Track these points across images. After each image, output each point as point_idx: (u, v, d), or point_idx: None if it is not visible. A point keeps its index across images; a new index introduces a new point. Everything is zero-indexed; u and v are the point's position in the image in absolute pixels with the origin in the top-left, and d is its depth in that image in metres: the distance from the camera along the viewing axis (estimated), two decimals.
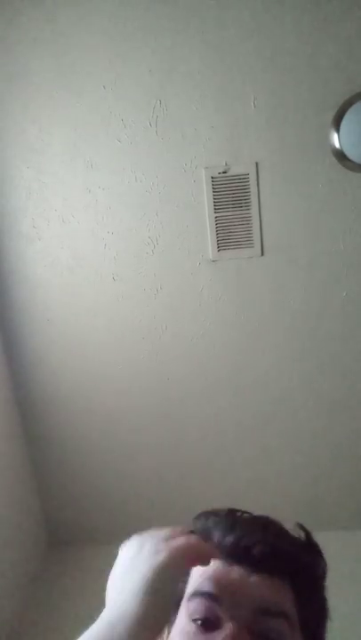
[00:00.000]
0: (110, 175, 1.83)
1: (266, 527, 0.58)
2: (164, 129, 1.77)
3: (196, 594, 0.53)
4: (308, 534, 0.61)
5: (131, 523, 2.52)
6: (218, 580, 0.52)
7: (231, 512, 0.61)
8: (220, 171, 1.79)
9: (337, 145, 1.72)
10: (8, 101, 1.77)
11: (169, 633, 0.54)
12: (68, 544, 2.34)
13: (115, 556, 0.54)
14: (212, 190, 1.81)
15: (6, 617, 1.89)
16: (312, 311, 1.95)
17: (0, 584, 1.89)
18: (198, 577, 0.54)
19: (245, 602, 0.50)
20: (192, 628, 0.51)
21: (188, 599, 0.53)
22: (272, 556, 0.53)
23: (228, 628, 0.48)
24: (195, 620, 0.51)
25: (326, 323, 1.96)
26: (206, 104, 1.73)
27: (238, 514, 0.61)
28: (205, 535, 0.56)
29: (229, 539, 0.55)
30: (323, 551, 0.61)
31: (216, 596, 0.51)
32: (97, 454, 2.21)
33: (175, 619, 0.55)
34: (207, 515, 0.60)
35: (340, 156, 1.73)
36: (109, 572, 0.53)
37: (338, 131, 1.70)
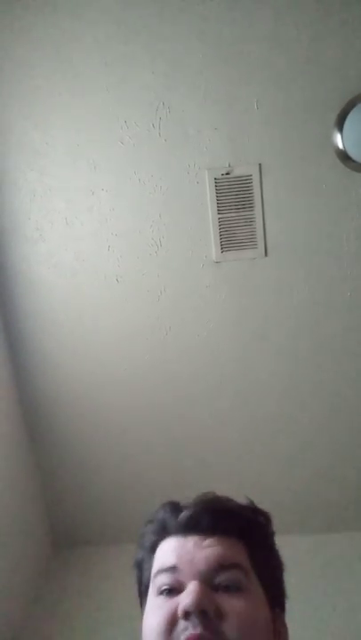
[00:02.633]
0: (114, 177, 1.84)
1: (213, 498, 0.68)
2: (167, 131, 1.77)
3: (160, 570, 0.60)
4: (252, 502, 0.70)
5: (135, 525, 2.52)
6: (177, 553, 0.60)
7: (176, 502, 0.69)
8: (224, 172, 1.79)
9: (340, 145, 1.72)
10: (11, 104, 1.78)
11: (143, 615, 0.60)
12: (73, 546, 2.34)
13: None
14: (215, 191, 1.81)
15: (11, 618, 1.90)
16: (316, 312, 1.95)
17: (5, 586, 1.89)
18: (160, 557, 0.62)
19: (202, 563, 0.57)
20: (159, 599, 0.57)
21: (154, 578, 0.60)
22: (220, 520, 0.62)
23: (190, 585, 0.55)
24: (161, 593, 0.58)
25: (330, 323, 1.96)
26: (209, 105, 1.73)
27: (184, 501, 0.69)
28: (163, 525, 0.65)
29: (183, 515, 0.63)
30: (269, 516, 0.69)
31: (176, 566, 0.58)
32: (101, 455, 2.21)
33: (145, 602, 0.61)
34: (159, 510, 0.68)
35: (344, 156, 1.73)
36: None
37: (341, 131, 1.70)
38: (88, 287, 1.98)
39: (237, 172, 1.79)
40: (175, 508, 0.66)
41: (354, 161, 1.72)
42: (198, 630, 0.51)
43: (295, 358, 2.02)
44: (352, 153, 1.71)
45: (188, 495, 0.68)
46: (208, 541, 0.60)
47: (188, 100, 1.73)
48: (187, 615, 0.53)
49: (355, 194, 1.79)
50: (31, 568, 2.13)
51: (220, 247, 1.87)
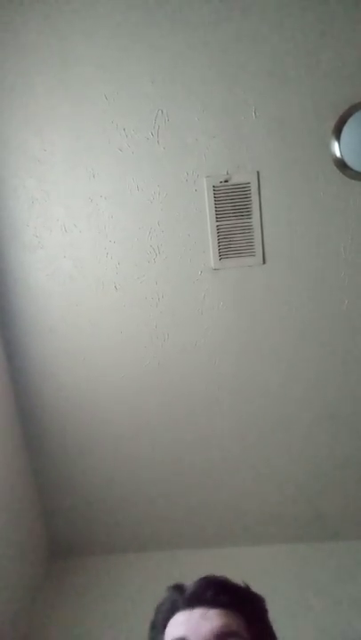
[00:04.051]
0: (112, 184, 1.84)
1: (214, 576, 0.77)
2: (166, 138, 1.78)
3: None
4: (247, 585, 0.79)
5: (131, 535, 2.52)
6: (185, 625, 0.69)
7: (180, 584, 0.78)
8: (222, 180, 1.80)
9: (338, 154, 1.73)
10: (10, 112, 1.79)
11: None
12: (70, 556, 2.32)
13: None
14: (213, 199, 1.81)
15: (7, 628, 1.88)
16: (313, 319, 1.95)
17: (2, 596, 1.88)
18: (170, 630, 0.70)
19: (207, 631, 0.66)
20: None
21: None
22: (222, 594, 0.72)
23: None
24: None
25: (328, 331, 1.96)
26: (207, 114, 1.74)
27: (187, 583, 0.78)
28: (172, 603, 0.74)
29: (189, 590, 0.74)
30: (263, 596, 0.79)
31: (185, 637, 0.67)
32: (98, 464, 2.20)
33: None
34: (166, 594, 0.78)
35: (341, 164, 1.74)
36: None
37: (339, 139, 1.71)
38: (86, 294, 1.97)
39: (236, 179, 1.80)
40: (181, 587, 0.76)
41: (351, 169, 1.73)
42: None
43: (293, 365, 2.02)
44: (350, 161, 1.72)
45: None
46: (212, 612, 0.69)
47: (187, 109, 1.74)
48: None
49: (352, 202, 1.79)
50: (28, 578, 2.11)
51: (218, 254, 1.87)
